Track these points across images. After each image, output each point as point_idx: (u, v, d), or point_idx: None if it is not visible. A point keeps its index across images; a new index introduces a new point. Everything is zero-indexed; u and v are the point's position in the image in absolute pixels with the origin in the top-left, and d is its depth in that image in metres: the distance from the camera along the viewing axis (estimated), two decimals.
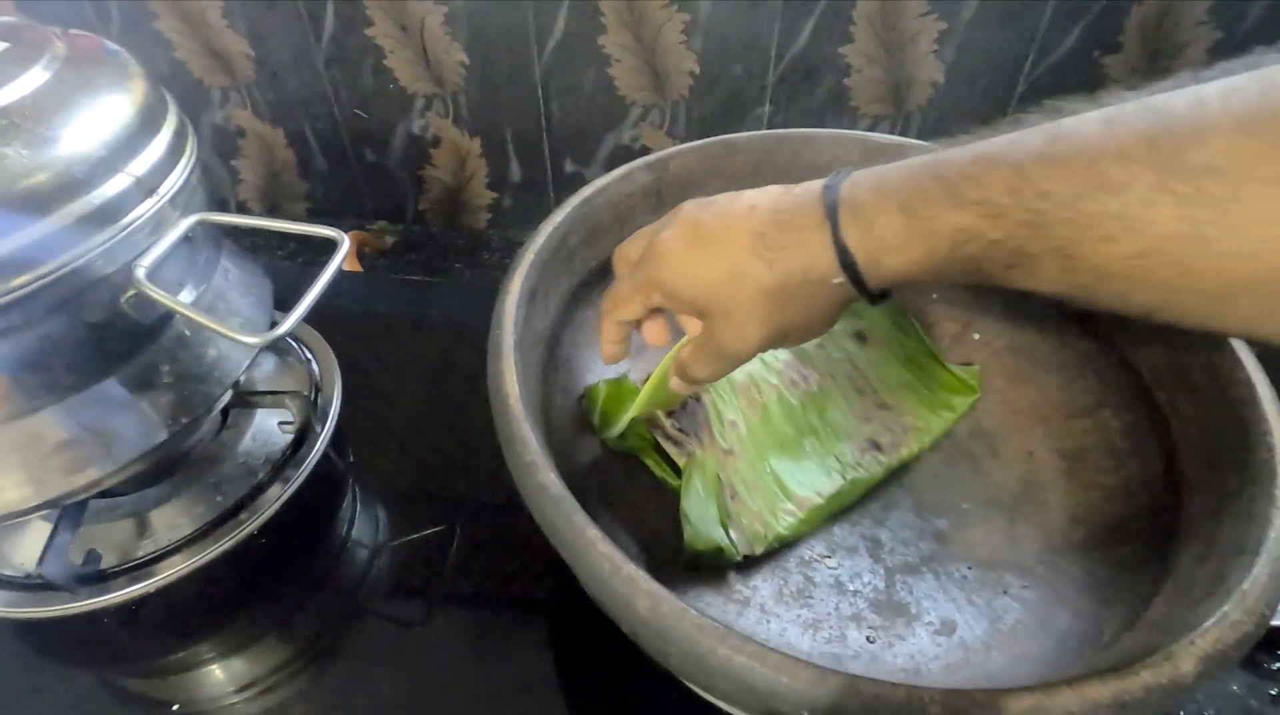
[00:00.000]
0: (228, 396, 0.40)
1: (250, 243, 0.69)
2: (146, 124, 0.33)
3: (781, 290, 0.26)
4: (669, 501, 0.35)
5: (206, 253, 0.38)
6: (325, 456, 0.46)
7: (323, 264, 0.35)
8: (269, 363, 0.50)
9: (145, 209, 0.31)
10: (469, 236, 0.77)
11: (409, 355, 0.58)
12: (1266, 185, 0.18)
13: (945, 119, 0.62)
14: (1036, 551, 0.33)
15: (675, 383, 0.31)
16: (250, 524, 0.41)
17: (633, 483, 0.36)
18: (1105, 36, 0.56)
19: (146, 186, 0.31)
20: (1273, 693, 0.43)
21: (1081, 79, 0.58)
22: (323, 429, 0.45)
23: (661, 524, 0.35)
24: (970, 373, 0.41)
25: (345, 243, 0.36)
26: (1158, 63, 0.57)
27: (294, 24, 0.63)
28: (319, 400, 0.47)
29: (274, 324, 0.33)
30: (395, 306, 0.63)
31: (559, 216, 0.37)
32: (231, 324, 0.38)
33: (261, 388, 0.48)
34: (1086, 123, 0.21)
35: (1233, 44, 0.55)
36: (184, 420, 0.36)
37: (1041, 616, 0.30)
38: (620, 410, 0.37)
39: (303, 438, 0.45)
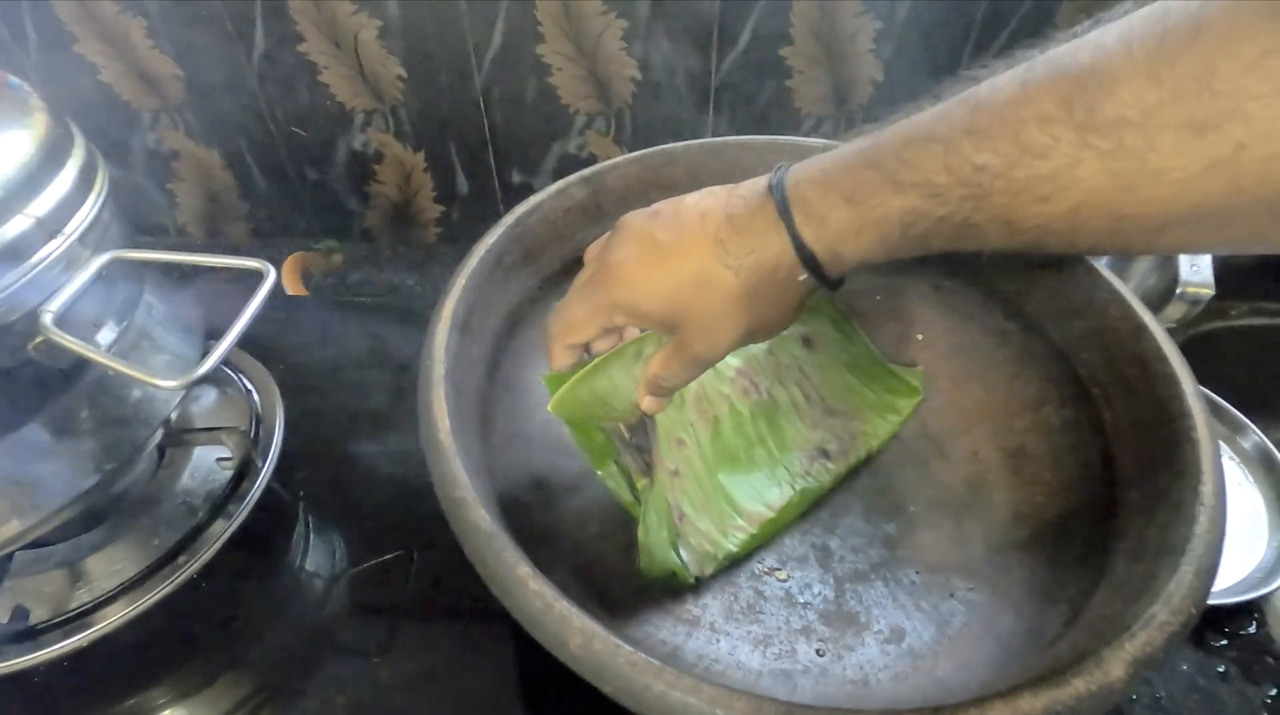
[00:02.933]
0: (158, 436, 0.39)
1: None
2: (49, 160, 0.31)
3: (750, 293, 0.26)
4: (619, 516, 0.35)
5: (126, 290, 0.36)
6: (269, 490, 0.44)
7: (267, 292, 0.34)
8: (208, 397, 0.49)
9: (50, 251, 0.30)
10: (419, 251, 0.75)
11: (359, 379, 0.57)
12: (1176, 130, 0.18)
13: (887, 116, 0.63)
14: (982, 552, 0.34)
15: (648, 402, 0.30)
16: (191, 565, 0.40)
17: (580, 495, 0.36)
18: (1036, 30, 0.57)
19: (50, 227, 0.30)
20: (1220, 670, 0.44)
21: None
22: (265, 462, 0.44)
23: (610, 540, 0.34)
24: (913, 374, 0.41)
25: (271, 275, 0.34)
26: None
27: (222, 43, 0.61)
28: (260, 432, 0.46)
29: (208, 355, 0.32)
30: (343, 329, 0.61)
31: (491, 238, 0.36)
32: (156, 363, 0.37)
33: (200, 423, 0.47)
34: (1003, 87, 0.22)
35: None
36: (110, 465, 0.35)
37: (987, 619, 0.31)
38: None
39: (244, 472, 0.43)
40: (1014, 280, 0.38)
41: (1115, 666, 0.21)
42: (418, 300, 0.69)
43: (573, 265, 0.42)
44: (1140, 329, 0.31)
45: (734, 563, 0.34)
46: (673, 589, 0.33)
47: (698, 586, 0.33)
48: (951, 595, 0.32)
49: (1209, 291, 0.55)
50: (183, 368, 0.33)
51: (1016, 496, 0.35)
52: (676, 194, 0.44)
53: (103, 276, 0.33)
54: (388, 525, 0.48)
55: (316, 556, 0.48)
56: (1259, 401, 0.71)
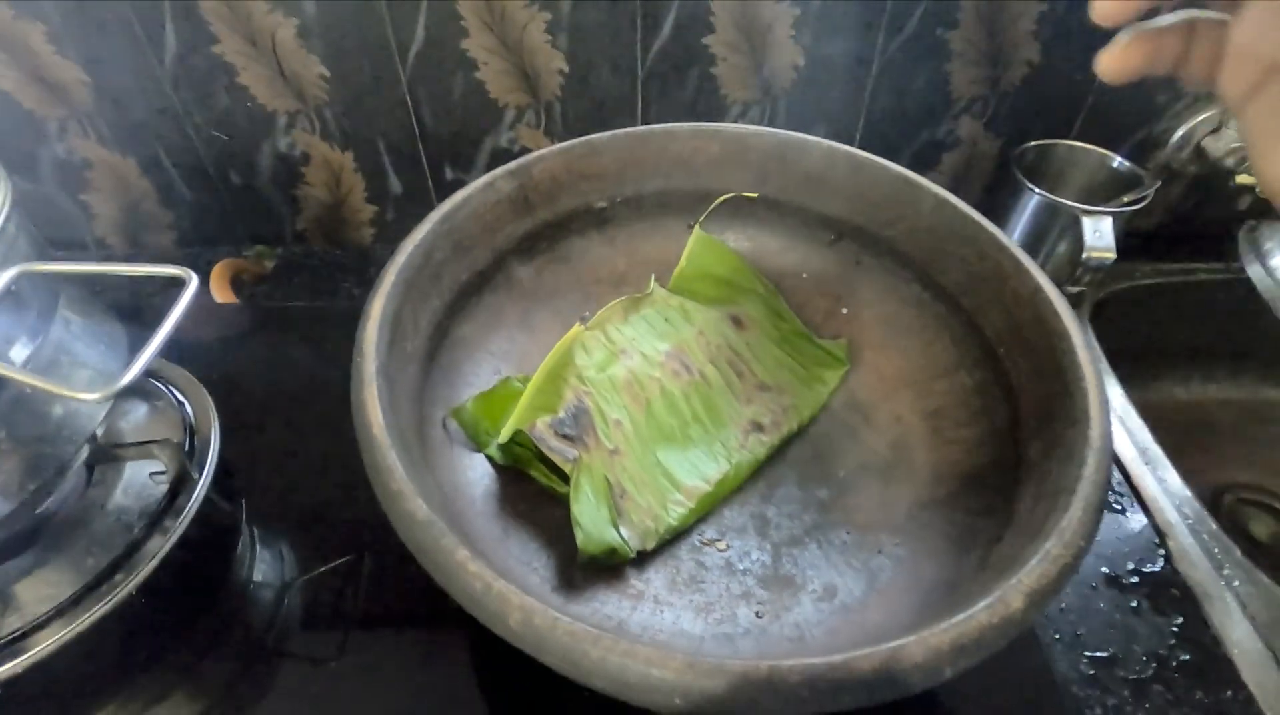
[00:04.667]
0: (83, 453, 0.38)
1: (112, 281, 0.65)
2: None
3: None
4: (561, 509, 0.36)
5: (39, 304, 0.35)
6: (209, 501, 0.43)
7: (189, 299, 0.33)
8: (137, 411, 0.48)
9: None
10: (354, 253, 0.74)
11: (299, 384, 0.56)
12: None
13: (811, 100, 0.64)
14: (907, 509, 0.36)
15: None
16: (128, 583, 0.39)
17: (522, 492, 0.37)
18: (946, 14, 0.59)
19: None
20: (1133, 604, 0.47)
21: (927, 53, 0.61)
22: (201, 473, 0.43)
23: (556, 530, 0.35)
24: (838, 346, 0.43)
25: (193, 282, 0.34)
26: (994, 38, 0.61)
27: (131, 47, 0.59)
28: (195, 444, 0.45)
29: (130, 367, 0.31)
30: (279, 334, 0.60)
31: (419, 234, 0.37)
32: (77, 378, 0.36)
33: (131, 437, 0.46)
34: None
35: (1056, 14, 0.59)
36: (33, 484, 0.34)
37: (911, 571, 0.33)
38: (501, 417, 0.37)
39: (180, 486, 0.43)
40: (928, 254, 0.41)
41: (1015, 599, 0.23)
42: (356, 302, 0.68)
43: (505, 256, 0.42)
44: (1037, 291, 0.34)
45: (675, 536, 0.36)
46: (616, 566, 0.34)
47: (641, 561, 0.35)
48: (879, 551, 0.34)
49: (1111, 256, 0.59)
50: (105, 382, 0.32)
51: (936, 456, 0.37)
52: (604, 184, 0.45)
53: (11, 292, 0.32)
54: (336, 530, 0.47)
55: (264, 566, 0.47)
56: (1161, 353, 0.76)
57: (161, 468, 0.43)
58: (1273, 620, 0.46)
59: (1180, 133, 0.68)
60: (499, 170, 0.41)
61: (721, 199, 0.45)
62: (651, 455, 0.37)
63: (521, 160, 0.42)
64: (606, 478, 0.35)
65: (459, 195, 0.39)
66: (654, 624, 0.32)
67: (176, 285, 0.35)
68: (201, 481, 0.43)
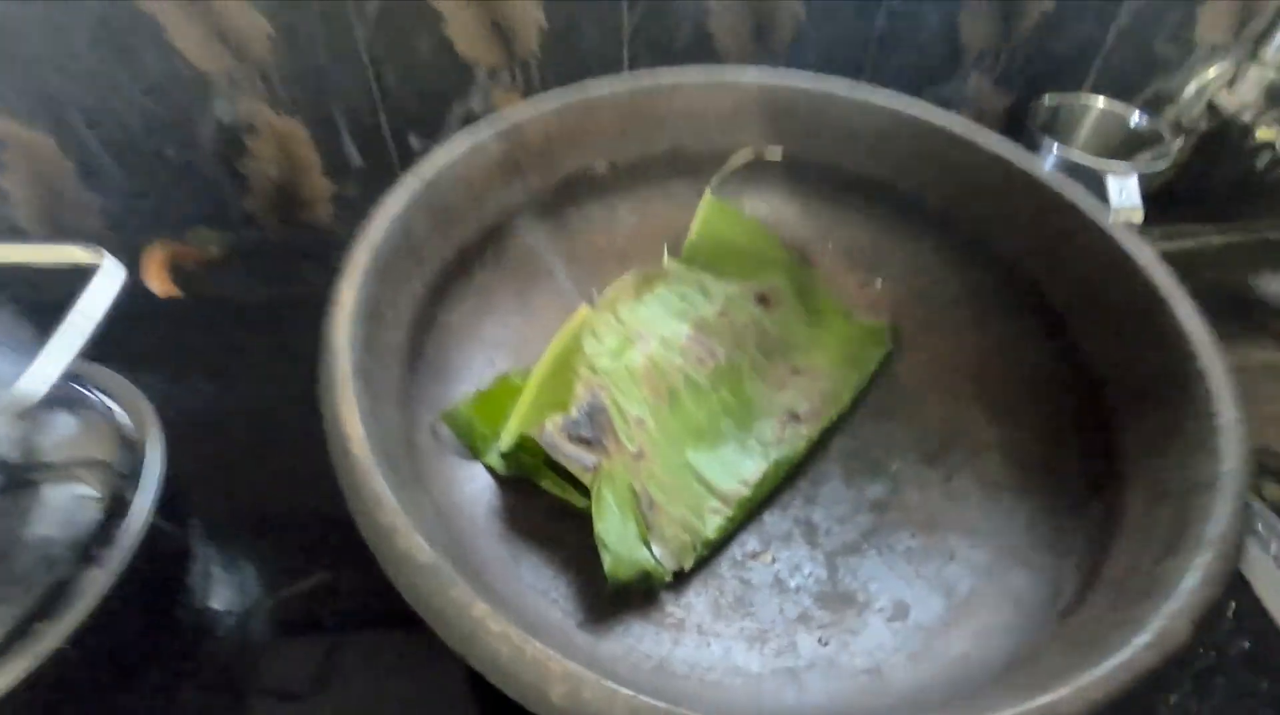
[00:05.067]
0: None
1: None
2: None
3: None
4: (579, 523, 0.30)
5: None
6: (152, 528, 0.37)
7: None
8: (62, 425, 0.40)
9: None
10: (313, 236, 0.67)
11: (255, 386, 0.49)
12: None
13: (811, 55, 0.59)
14: (977, 505, 0.31)
15: None
16: (56, 632, 0.32)
17: (531, 507, 0.31)
18: None
19: None
20: None
21: (935, 2, 0.57)
22: (141, 496, 0.37)
23: (575, 550, 0.30)
24: (877, 326, 0.38)
25: (108, 265, 0.27)
26: None
27: (40, 3, 0.51)
28: (131, 460, 0.38)
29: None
30: (231, 330, 0.53)
31: (395, 205, 0.30)
32: None
33: (54, 457, 0.39)
34: None
35: None
36: None
37: (995, 580, 0.28)
38: (501, 420, 0.31)
39: (115, 510, 0.36)
40: (979, 216, 0.36)
41: (1181, 628, 0.19)
42: (317, 289, 0.61)
43: (494, 232, 0.36)
44: (1122, 251, 0.29)
45: (713, 551, 0.31)
46: (651, 591, 0.29)
47: (677, 583, 0.29)
48: (952, 557, 0.30)
49: (1139, 217, 0.56)
50: (15, 399, 0.25)
51: (1002, 442, 0.33)
52: (605, 144, 0.39)
53: None
54: (307, 546, 0.42)
55: (225, 592, 0.41)
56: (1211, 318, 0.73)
57: (92, 492, 0.36)
58: None
59: (1193, 86, 0.65)
60: (484, 129, 0.35)
61: (739, 156, 0.39)
62: (680, 456, 0.32)
63: (509, 117, 0.36)
64: (632, 487, 0.30)
65: (439, 158, 0.33)
66: (701, 660, 0.27)
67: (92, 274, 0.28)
68: (141, 505, 0.36)
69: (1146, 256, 0.28)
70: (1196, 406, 0.24)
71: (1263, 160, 0.66)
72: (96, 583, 0.34)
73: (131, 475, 0.38)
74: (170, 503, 0.39)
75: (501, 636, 0.18)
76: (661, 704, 0.17)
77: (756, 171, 0.41)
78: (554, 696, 0.17)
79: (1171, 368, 0.26)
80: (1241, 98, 0.63)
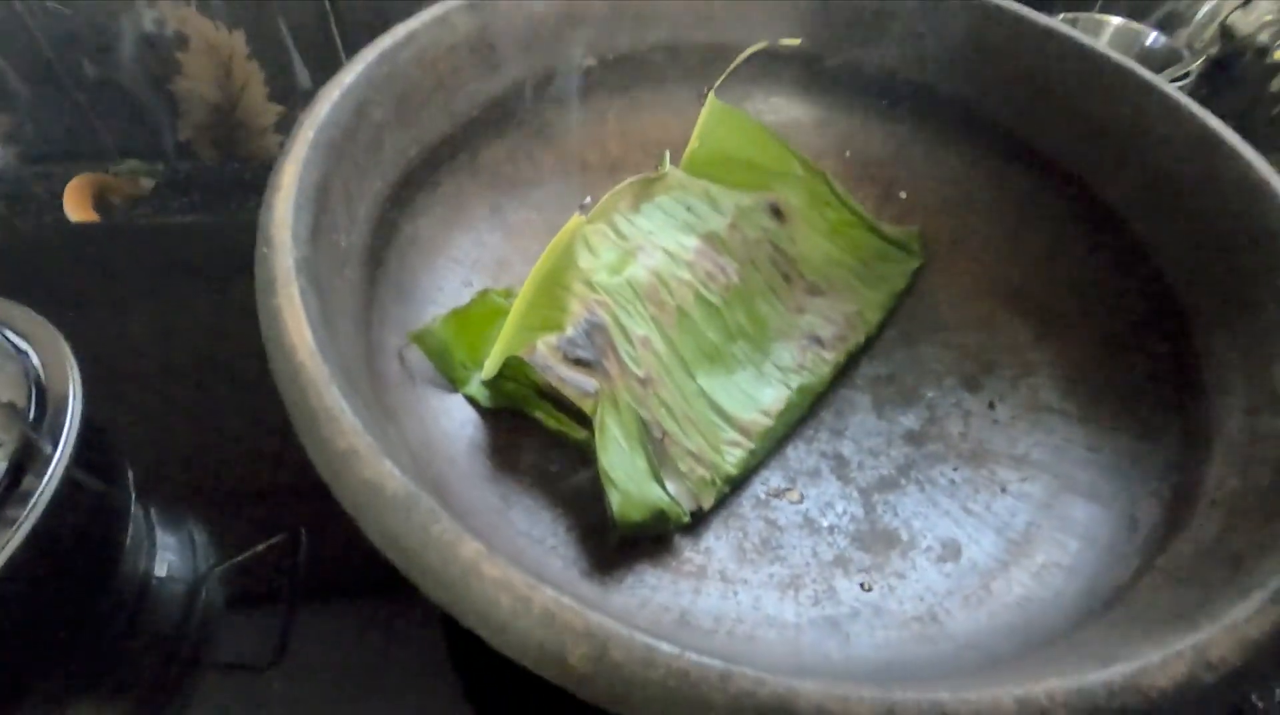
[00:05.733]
0: None
1: None
2: None
3: None
4: (578, 459, 0.26)
5: None
6: (69, 481, 0.32)
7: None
8: None
9: None
10: (257, 167, 0.60)
11: (191, 320, 0.44)
12: None
13: None
14: (1026, 432, 0.28)
15: None
16: None
17: (522, 443, 0.26)
18: None
19: None
20: None
21: None
22: (56, 445, 0.31)
23: (575, 491, 0.25)
24: (908, 234, 0.34)
25: None
26: None
27: None
28: (45, 406, 0.33)
29: None
30: (161, 259, 0.47)
31: (348, 78, 0.25)
32: None
33: None
34: None
35: None
36: None
37: (1055, 514, 0.25)
38: (483, 344, 0.26)
39: (24, 462, 0.31)
40: (1020, 111, 0.32)
41: None
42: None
43: (467, 128, 0.31)
44: (1209, 136, 0.25)
45: (733, 488, 0.27)
46: (664, 536, 0.25)
47: (694, 526, 0.25)
48: (1003, 490, 0.26)
49: None
50: None
51: (1053, 362, 0.29)
52: (592, 32, 0.34)
53: None
54: (262, 503, 0.37)
55: (169, 555, 0.37)
56: None
57: None
58: None
59: (1207, 7, 0.61)
60: (455, 1, 0.29)
61: (751, 50, 0.34)
62: (692, 382, 0.27)
63: None
64: (639, 415, 0.25)
65: (401, 30, 0.27)
66: (728, 611, 0.23)
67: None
68: (57, 455, 0.31)
69: (1234, 137, 0.24)
70: None
71: (1278, 84, 0.64)
72: (3, 543, 0.29)
73: (45, 423, 0.32)
74: (93, 454, 0.34)
75: (501, 583, 0.14)
76: (715, 662, 0.13)
77: (765, 71, 0.36)
78: (573, 659, 0.13)
79: (1271, 263, 0.22)
80: (1258, 17, 0.59)
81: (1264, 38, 0.60)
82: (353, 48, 0.54)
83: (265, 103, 0.57)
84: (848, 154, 0.37)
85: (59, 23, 0.51)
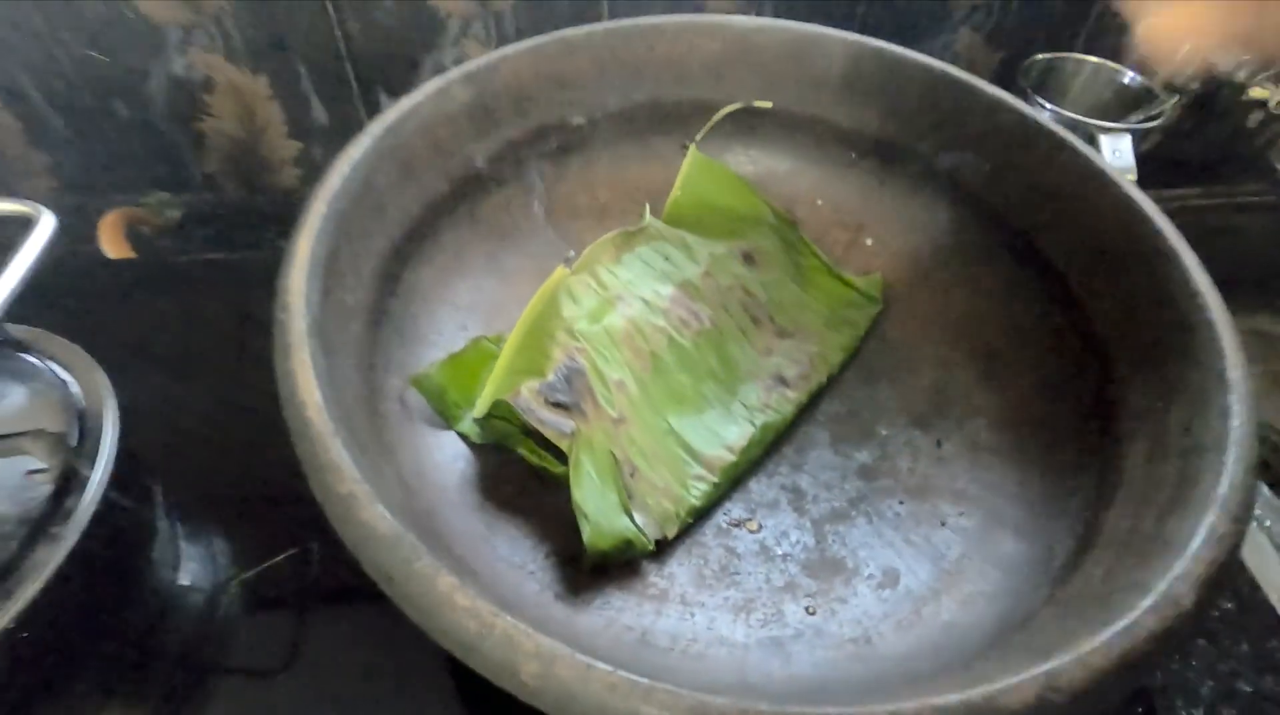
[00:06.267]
0: None
1: None
2: None
3: None
4: (556, 492, 0.29)
5: None
6: (107, 501, 0.35)
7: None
8: (10, 394, 0.38)
9: None
10: (278, 199, 0.64)
11: (217, 351, 0.47)
12: None
13: (797, 8, 0.57)
14: (967, 470, 0.30)
15: None
16: (9, 608, 0.31)
17: (507, 476, 0.29)
18: None
19: None
20: None
21: None
22: (94, 468, 0.35)
23: (553, 520, 0.28)
24: (870, 282, 0.36)
25: (45, 220, 0.25)
26: None
27: None
28: (85, 431, 0.36)
29: None
30: (189, 294, 0.51)
31: (356, 152, 0.28)
32: None
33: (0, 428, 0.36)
34: None
35: None
36: None
37: (985, 545, 0.27)
38: (474, 388, 0.29)
39: (68, 483, 0.34)
40: (973, 168, 0.34)
41: (1186, 594, 0.18)
42: (281, 253, 0.59)
43: (463, 184, 0.34)
44: (1127, 203, 0.28)
45: (697, 519, 0.29)
46: (632, 562, 0.27)
47: (660, 553, 0.28)
48: (942, 523, 0.29)
49: (1132, 177, 0.55)
50: None
51: (994, 406, 0.32)
52: (582, 94, 0.37)
53: None
54: (278, 519, 0.40)
55: (192, 566, 0.40)
56: None
57: (40, 465, 0.34)
58: None
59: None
60: (454, 73, 0.32)
61: (727, 110, 0.37)
62: (663, 422, 0.30)
63: (480, 61, 0.33)
64: (612, 453, 0.28)
65: (405, 103, 0.30)
66: (684, 631, 0.25)
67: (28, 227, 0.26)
68: (95, 477, 0.34)
69: (1152, 208, 0.27)
70: (1204, 362, 0.23)
71: (1254, 119, 0.66)
72: (47, 559, 0.33)
73: (85, 447, 0.36)
74: (127, 476, 0.37)
75: (469, 611, 0.17)
76: (641, 679, 0.16)
77: (743, 125, 0.39)
78: (525, 675, 0.16)
79: (1179, 322, 0.25)
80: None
81: (1242, 75, 0.63)
82: (366, 87, 0.58)
83: (284, 139, 0.61)
84: (819, 202, 0.40)
85: (97, 69, 0.55)
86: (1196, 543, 0.19)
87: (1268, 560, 0.45)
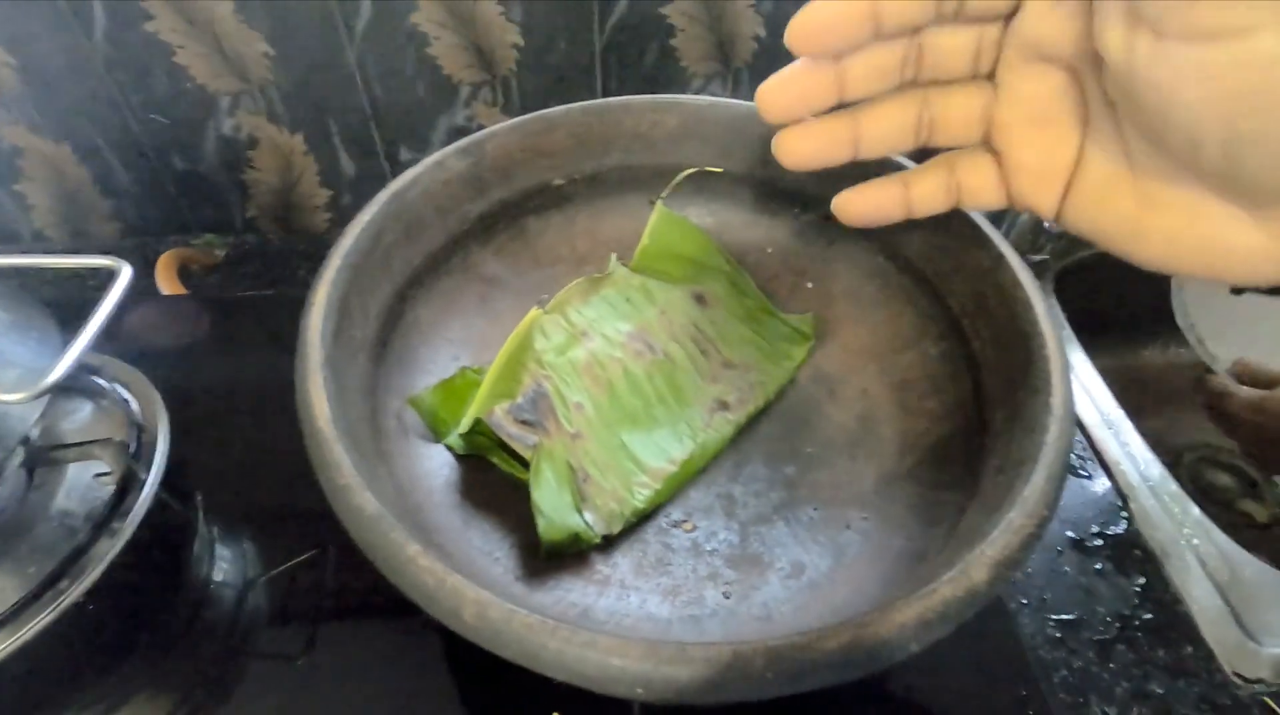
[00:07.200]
0: (18, 457, 0.36)
1: (49, 276, 0.62)
2: None
3: None
4: (524, 495, 0.35)
5: None
6: (159, 502, 0.42)
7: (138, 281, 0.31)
8: (80, 411, 0.45)
9: None
10: (310, 240, 0.72)
11: (254, 376, 0.54)
12: None
13: (771, 70, 0.63)
14: (874, 484, 0.35)
15: None
16: (74, 590, 0.37)
17: (483, 481, 0.36)
18: None
19: None
20: (1097, 567, 0.48)
21: None
22: (149, 473, 0.41)
23: (519, 518, 0.34)
24: (803, 320, 0.42)
25: (125, 272, 0.32)
26: None
27: (57, 24, 0.56)
28: (142, 442, 0.43)
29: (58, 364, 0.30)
30: (232, 325, 0.58)
31: (367, 215, 0.35)
32: (5, 378, 0.34)
33: (74, 438, 0.44)
34: None
35: None
36: None
37: (878, 545, 0.32)
38: (459, 409, 0.35)
39: (127, 486, 0.41)
40: (897, 229, 0.40)
41: (978, 571, 0.23)
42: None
43: (460, 238, 0.41)
44: (999, 259, 0.33)
45: (642, 520, 0.35)
46: (582, 552, 0.33)
47: (607, 546, 0.34)
48: (847, 526, 0.34)
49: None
50: (35, 381, 0.30)
51: (902, 429, 0.37)
52: (561, 160, 0.44)
53: None
54: (300, 525, 0.47)
55: (225, 564, 0.47)
56: (1125, 319, 0.77)
57: (106, 469, 0.41)
58: (1230, 578, 0.47)
59: None
60: (449, 148, 0.39)
61: (684, 174, 0.44)
62: (615, 438, 0.36)
63: (473, 137, 0.40)
64: (569, 462, 0.34)
65: (408, 174, 0.37)
66: (620, 609, 0.31)
67: (111, 276, 0.33)
68: (149, 481, 0.41)
69: (1020, 268, 0.32)
70: (1040, 390, 0.29)
71: None
72: (109, 548, 0.39)
73: (141, 455, 0.43)
74: (174, 482, 0.44)
75: (428, 570, 0.23)
76: (549, 620, 0.21)
77: (702, 185, 0.46)
78: (466, 616, 0.22)
79: (1029, 359, 0.30)
80: None
81: None
82: (389, 143, 0.66)
83: (317, 188, 0.69)
84: (769, 250, 0.46)
85: (161, 130, 0.64)
86: (996, 532, 0.24)
87: (1192, 576, 0.49)
